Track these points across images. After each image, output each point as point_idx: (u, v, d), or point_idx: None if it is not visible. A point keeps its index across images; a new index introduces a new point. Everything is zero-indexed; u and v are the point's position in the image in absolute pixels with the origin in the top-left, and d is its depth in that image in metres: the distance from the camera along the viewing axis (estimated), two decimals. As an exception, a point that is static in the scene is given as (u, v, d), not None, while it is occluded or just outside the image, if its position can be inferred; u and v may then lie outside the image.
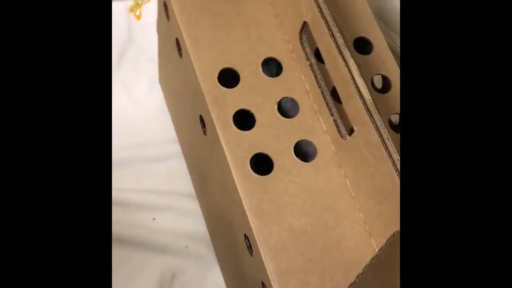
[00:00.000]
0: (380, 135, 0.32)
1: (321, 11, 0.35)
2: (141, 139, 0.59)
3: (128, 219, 0.56)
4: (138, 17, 0.67)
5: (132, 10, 0.67)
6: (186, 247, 0.55)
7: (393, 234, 0.30)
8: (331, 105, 0.37)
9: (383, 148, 0.32)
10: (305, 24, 0.37)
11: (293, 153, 0.37)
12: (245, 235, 0.37)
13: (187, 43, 0.39)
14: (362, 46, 0.42)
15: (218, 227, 0.49)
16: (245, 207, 0.36)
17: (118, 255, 0.53)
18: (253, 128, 0.38)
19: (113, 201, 0.54)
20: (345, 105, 0.35)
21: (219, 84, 0.38)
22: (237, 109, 0.38)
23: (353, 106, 0.34)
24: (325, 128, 0.38)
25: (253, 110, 0.38)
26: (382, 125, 0.31)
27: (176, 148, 0.59)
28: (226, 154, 0.37)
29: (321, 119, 0.39)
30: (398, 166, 0.31)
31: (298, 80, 0.40)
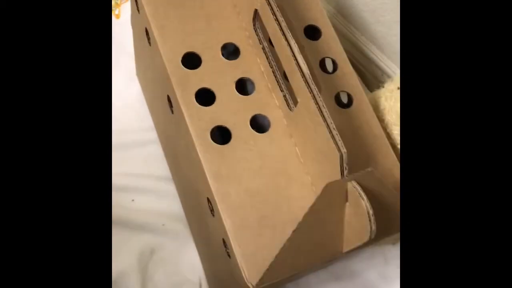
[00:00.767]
0: (317, 103, 0.37)
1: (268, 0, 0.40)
2: (120, 127, 0.64)
3: (109, 200, 0.61)
4: (117, 16, 0.72)
5: (112, 9, 0.72)
6: (163, 225, 0.60)
7: (326, 185, 0.35)
8: (281, 82, 0.42)
9: (319, 114, 0.37)
10: (256, 12, 0.42)
11: (250, 126, 0.42)
12: (207, 198, 0.42)
13: (155, 32, 0.44)
14: (312, 33, 0.47)
15: (190, 201, 0.54)
16: (206, 172, 0.40)
17: (99, 233, 0.58)
18: (213, 105, 0.43)
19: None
20: (290, 80, 0.40)
21: (182, 66, 0.43)
22: (199, 88, 0.43)
23: (296, 80, 0.39)
24: (278, 104, 0.43)
25: (213, 89, 0.43)
26: (318, 94, 0.36)
27: (153, 135, 0.64)
28: (189, 127, 0.42)
29: (274, 96, 0.44)
30: (332, 128, 0.36)
31: (254, 63, 0.45)
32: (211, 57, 0.44)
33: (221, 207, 0.39)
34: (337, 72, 0.46)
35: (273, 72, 0.43)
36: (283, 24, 0.39)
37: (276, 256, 0.37)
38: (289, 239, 0.36)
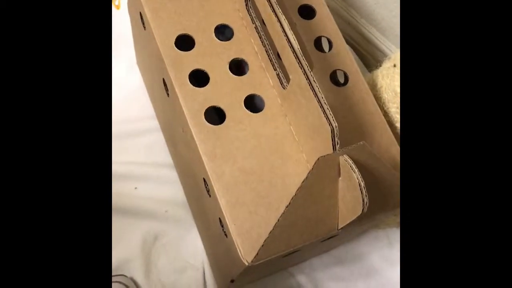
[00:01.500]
0: (307, 78, 0.36)
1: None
2: (122, 116, 0.64)
3: (112, 188, 0.61)
4: (118, 7, 0.72)
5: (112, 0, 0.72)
6: (166, 211, 0.60)
7: (318, 159, 0.35)
8: (274, 61, 0.42)
9: (310, 89, 0.36)
10: (248, -9, 0.42)
11: (244, 106, 0.42)
12: (203, 179, 0.42)
13: (148, 15, 0.45)
14: (306, 12, 0.47)
15: (189, 185, 0.54)
16: (200, 152, 0.41)
17: (103, 220, 0.58)
18: (207, 85, 0.43)
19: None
20: (282, 57, 0.40)
21: (176, 48, 0.43)
22: (193, 69, 0.43)
23: (288, 57, 0.39)
24: (272, 83, 0.43)
25: (207, 70, 0.43)
26: (308, 69, 0.36)
27: (155, 123, 0.64)
28: (183, 108, 0.42)
29: (268, 76, 0.43)
30: (323, 103, 0.36)
31: (248, 43, 0.45)
32: (205, 38, 0.44)
33: (216, 186, 0.39)
34: (332, 50, 0.46)
35: (266, 51, 0.43)
36: (273, 1, 0.39)
37: (271, 233, 0.37)
38: (283, 215, 0.36)
